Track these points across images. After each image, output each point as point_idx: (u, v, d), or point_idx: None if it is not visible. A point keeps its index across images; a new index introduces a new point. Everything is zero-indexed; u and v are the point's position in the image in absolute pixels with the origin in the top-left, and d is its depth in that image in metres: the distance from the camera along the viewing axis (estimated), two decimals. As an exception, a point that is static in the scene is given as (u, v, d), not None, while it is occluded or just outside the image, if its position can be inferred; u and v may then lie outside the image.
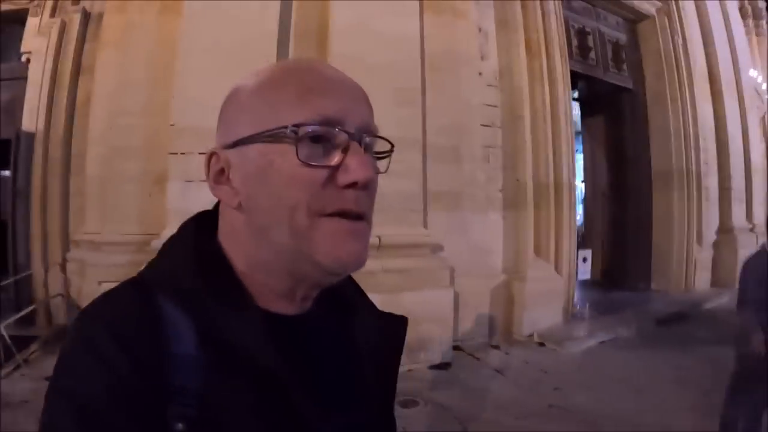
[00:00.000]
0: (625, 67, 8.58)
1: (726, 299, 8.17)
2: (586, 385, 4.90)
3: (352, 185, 0.58)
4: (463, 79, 5.85)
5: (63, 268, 6.08)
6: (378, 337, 0.70)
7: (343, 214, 0.58)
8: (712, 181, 9.43)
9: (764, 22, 15.81)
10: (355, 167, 0.57)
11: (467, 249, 5.70)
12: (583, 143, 9.40)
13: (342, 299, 0.70)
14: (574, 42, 7.63)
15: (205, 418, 0.53)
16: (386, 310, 0.75)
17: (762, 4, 16.07)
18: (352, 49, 4.95)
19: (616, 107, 8.92)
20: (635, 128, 8.77)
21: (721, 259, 9.33)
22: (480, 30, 6.10)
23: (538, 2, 6.44)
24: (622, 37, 8.63)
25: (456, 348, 5.47)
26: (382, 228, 5.09)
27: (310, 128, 0.57)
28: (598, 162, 9.27)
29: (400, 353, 0.73)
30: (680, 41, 8.66)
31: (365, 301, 0.74)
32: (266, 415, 0.55)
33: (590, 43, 7.90)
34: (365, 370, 0.67)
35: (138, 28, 5.56)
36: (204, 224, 0.65)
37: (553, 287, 6.13)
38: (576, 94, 8.63)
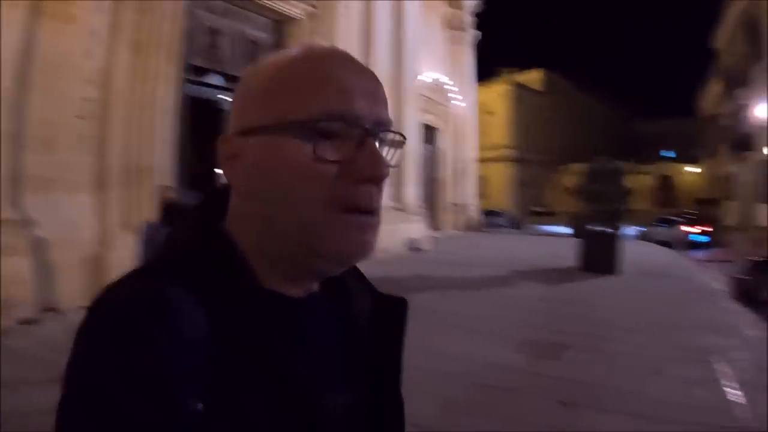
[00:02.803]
0: (260, 62, 9.88)
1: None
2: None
3: (366, 180, 0.57)
4: (68, 78, 6.61)
5: None
6: (378, 319, 0.69)
7: (356, 209, 0.57)
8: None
9: (467, 34, 18.69)
10: (369, 163, 0.57)
11: (60, 224, 6.55)
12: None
13: (342, 282, 0.69)
14: (206, 40, 8.71)
15: (217, 399, 0.51)
16: None
17: (468, 19, 18.94)
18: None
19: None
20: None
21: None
22: (92, 33, 6.84)
23: (154, 6, 7.33)
24: (266, 37, 9.86)
25: (52, 309, 6.31)
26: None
27: (325, 123, 0.56)
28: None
29: (402, 334, 0.71)
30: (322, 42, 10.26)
31: (365, 283, 0.73)
32: (270, 395, 0.54)
33: (220, 42, 8.99)
34: (366, 352, 0.66)
35: None
36: (213, 207, 0.64)
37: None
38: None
